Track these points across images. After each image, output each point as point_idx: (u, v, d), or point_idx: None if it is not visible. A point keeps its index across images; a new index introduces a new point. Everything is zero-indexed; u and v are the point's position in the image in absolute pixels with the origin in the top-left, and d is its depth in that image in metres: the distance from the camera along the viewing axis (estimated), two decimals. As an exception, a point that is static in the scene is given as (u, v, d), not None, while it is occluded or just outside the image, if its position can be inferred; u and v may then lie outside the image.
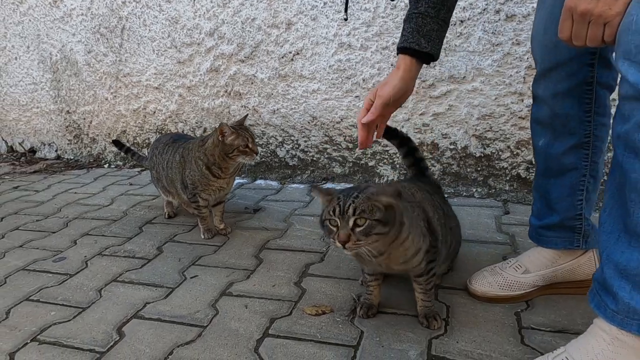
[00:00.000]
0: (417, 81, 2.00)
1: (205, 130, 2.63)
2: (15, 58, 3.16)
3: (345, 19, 1.28)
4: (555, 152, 1.12)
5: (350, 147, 2.27)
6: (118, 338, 1.16)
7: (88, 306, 1.32)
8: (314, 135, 2.33)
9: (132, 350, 1.10)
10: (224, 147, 1.59)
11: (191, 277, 1.45)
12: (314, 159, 2.38)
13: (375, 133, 1.16)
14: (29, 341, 1.17)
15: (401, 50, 1.06)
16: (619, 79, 0.78)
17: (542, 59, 1.07)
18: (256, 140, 1.68)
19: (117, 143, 2.26)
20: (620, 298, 0.80)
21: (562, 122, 1.08)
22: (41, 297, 1.39)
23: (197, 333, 1.16)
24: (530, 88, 1.15)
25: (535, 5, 1.78)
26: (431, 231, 1.09)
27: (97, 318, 1.25)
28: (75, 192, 2.46)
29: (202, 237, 1.74)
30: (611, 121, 0.86)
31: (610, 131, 0.84)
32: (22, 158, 3.37)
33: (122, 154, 2.34)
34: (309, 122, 2.32)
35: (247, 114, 2.09)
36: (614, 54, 0.77)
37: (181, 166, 1.73)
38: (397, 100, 1.07)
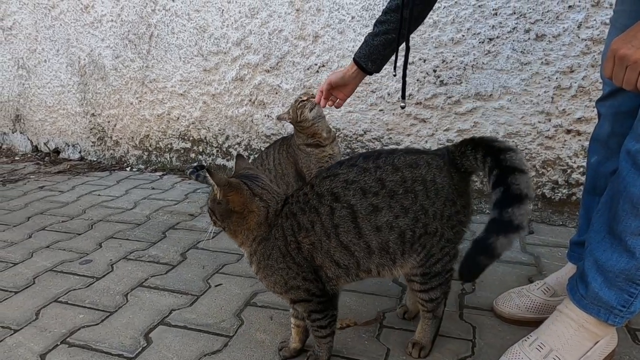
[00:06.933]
0: (443, 97, 2.02)
1: (227, 137, 2.66)
2: (45, 61, 3.24)
3: (403, 107, 1.41)
4: (605, 170, 1.13)
5: (372, 159, 2.27)
6: (145, 344, 1.17)
7: (115, 310, 1.34)
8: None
9: (159, 358, 1.12)
10: (295, 123, 1.67)
11: (215, 286, 1.46)
12: (335, 170, 2.38)
13: (337, 102, 1.52)
14: (59, 343, 1.19)
15: (354, 59, 1.41)
16: None
17: None
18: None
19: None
20: (592, 287, 0.94)
21: (618, 142, 1.08)
22: (69, 299, 1.41)
23: (223, 343, 1.17)
24: (595, 106, 1.16)
25: (565, 25, 1.78)
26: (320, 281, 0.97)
27: (125, 323, 1.27)
28: (99, 194, 2.50)
29: None
30: None
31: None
32: (47, 158, 3.44)
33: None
34: (331, 134, 2.33)
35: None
36: None
37: (290, 161, 1.78)
38: (338, 88, 1.47)
